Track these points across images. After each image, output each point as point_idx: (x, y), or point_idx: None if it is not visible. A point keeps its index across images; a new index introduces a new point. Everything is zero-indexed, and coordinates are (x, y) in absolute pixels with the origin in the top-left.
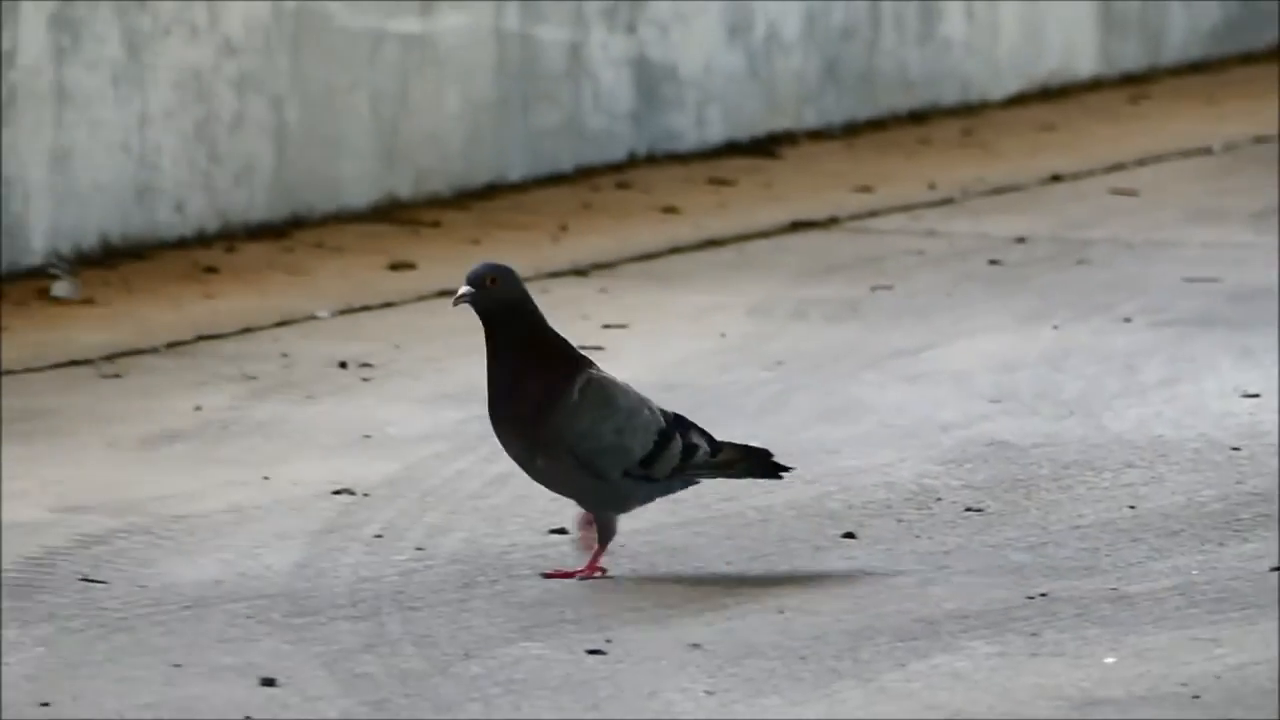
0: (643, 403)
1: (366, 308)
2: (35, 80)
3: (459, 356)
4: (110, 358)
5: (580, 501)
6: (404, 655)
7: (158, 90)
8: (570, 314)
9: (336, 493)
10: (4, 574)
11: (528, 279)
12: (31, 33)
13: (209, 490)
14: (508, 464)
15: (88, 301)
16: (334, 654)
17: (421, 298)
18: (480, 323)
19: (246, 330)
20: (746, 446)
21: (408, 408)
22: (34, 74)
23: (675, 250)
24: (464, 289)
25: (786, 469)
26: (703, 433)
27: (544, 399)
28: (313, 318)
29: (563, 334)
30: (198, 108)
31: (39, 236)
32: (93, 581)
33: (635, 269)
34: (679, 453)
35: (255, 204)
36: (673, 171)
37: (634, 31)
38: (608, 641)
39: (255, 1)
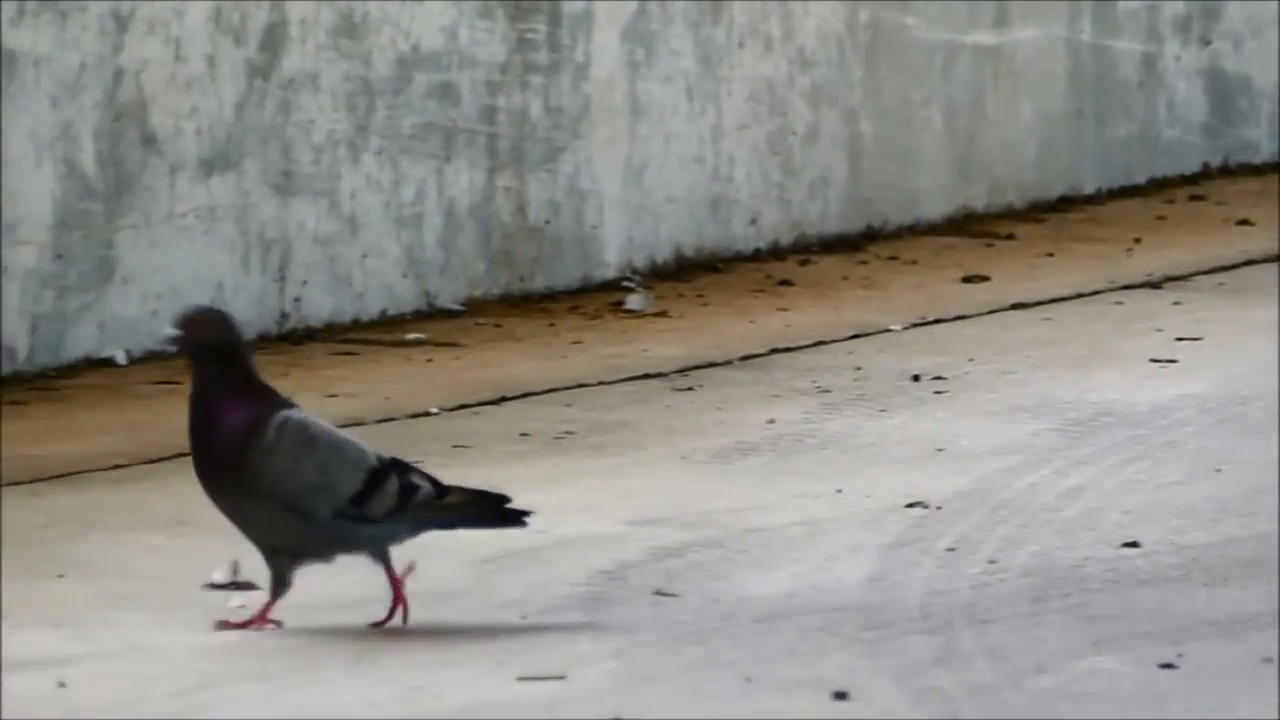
0: (349, 442)
1: (940, 320)
2: (610, 94)
3: (1033, 369)
4: (683, 371)
5: (294, 548)
6: (975, 669)
7: (731, 103)
8: (1143, 327)
9: (909, 506)
10: (578, 587)
11: (1100, 291)
12: (606, 46)
13: (782, 503)
14: (1081, 477)
15: (661, 314)
16: (905, 667)
17: (995, 310)
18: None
19: (820, 343)
20: (479, 491)
21: (980, 420)
22: (609, 87)
23: (1249, 263)
24: (169, 330)
25: (525, 514)
26: (427, 476)
27: (242, 440)
28: (886, 330)
29: (1133, 346)
30: (771, 120)
31: (614, 250)
32: (666, 595)
33: (1209, 281)
34: (395, 493)
35: (829, 216)
36: (1247, 184)
37: (1208, 44)
38: (1179, 655)
39: (829, 14)
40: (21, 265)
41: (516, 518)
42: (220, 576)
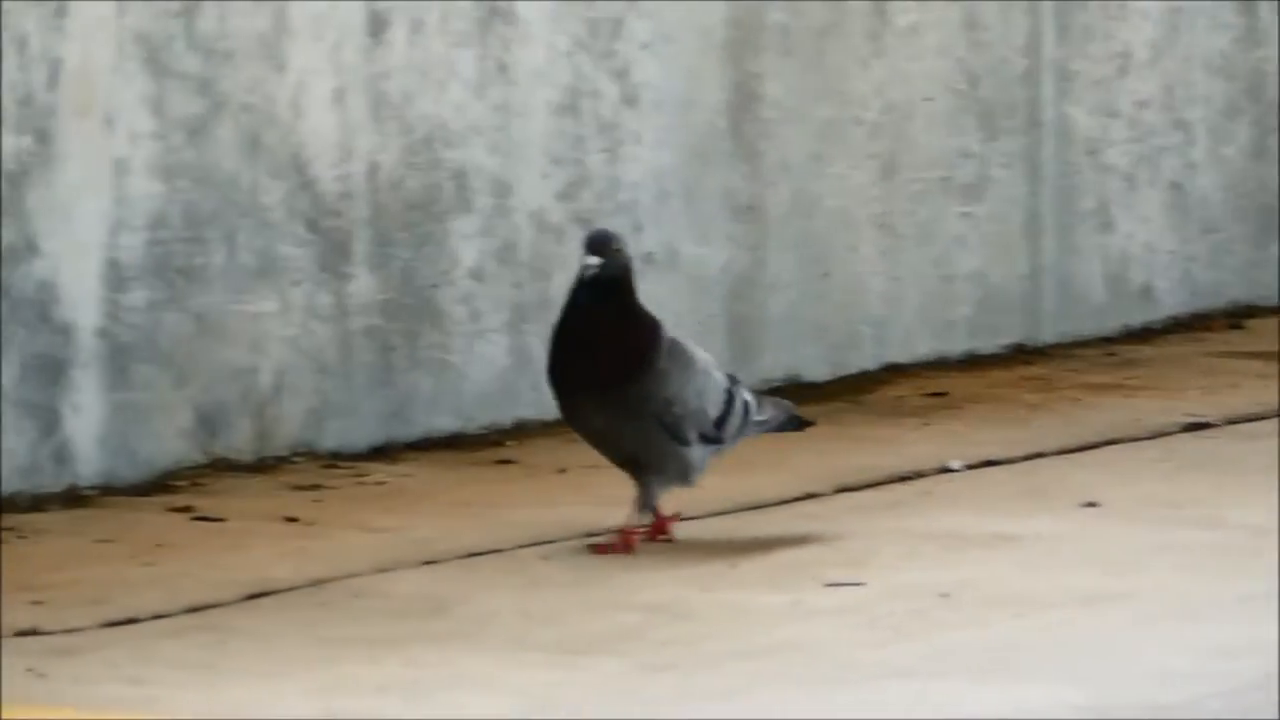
0: (710, 362)
1: None
2: None
3: None
4: None
5: (658, 468)
6: None
7: None
8: None
9: None
10: None
11: None
12: None
13: None
14: None
15: None
16: None
17: None
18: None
19: None
20: (774, 399)
21: None
22: None
23: None
24: (594, 259)
25: (809, 423)
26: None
27: (634, 364)
28: None
29: None
30: None
31: None
32: None
33: None
34: (741, 412)
35: None
36: None
37: None
38: None
39: None
40: None
41: (802, 423)
42: None
